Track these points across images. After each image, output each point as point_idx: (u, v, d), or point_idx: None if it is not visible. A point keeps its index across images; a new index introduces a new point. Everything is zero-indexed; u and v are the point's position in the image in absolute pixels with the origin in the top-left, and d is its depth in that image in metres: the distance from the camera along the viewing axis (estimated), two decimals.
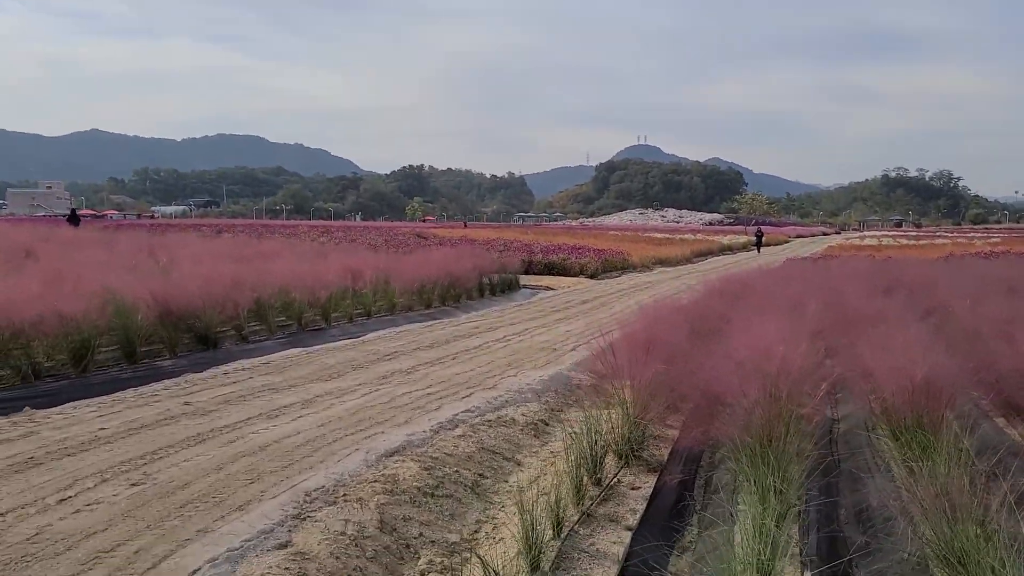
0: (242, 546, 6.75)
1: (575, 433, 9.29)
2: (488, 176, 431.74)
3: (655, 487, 8.95)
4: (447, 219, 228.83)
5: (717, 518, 7.61)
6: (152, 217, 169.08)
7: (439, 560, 7.11)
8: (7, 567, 6.36)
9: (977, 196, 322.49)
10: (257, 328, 18.96)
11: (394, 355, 16.47)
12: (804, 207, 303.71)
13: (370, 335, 19.23)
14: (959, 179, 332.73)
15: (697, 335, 12.86)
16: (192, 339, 16.78)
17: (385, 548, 7.19)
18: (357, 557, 6.85)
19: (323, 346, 17.38)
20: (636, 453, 9.76)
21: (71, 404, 11.64)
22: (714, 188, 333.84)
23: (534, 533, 6.60)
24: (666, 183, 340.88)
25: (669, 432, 10.93)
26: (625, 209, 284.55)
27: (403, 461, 9.10)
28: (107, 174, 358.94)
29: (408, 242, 48.36)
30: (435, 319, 23.23)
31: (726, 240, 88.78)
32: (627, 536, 7.53)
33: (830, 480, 8.55)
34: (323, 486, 8.29)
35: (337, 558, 6.72)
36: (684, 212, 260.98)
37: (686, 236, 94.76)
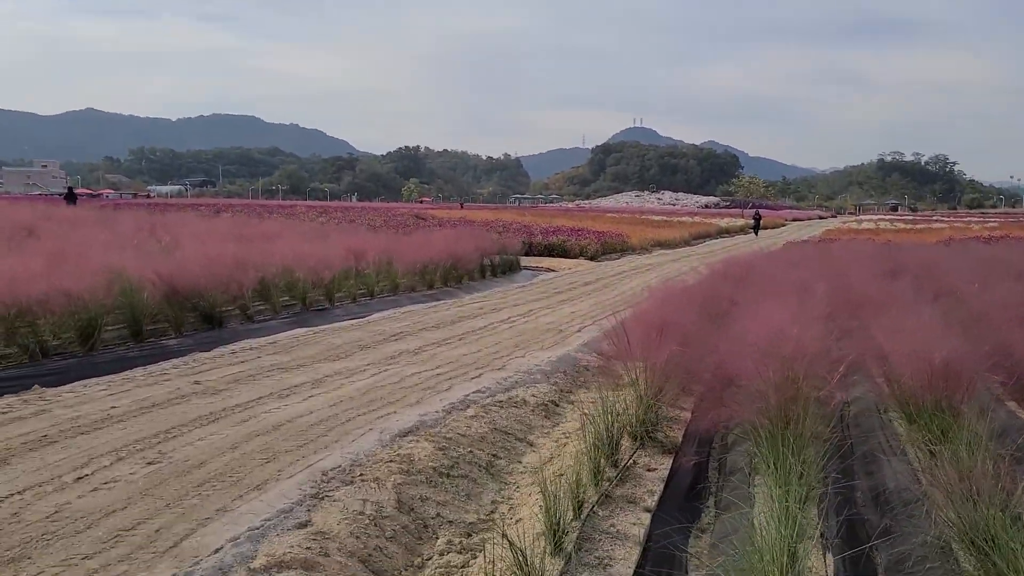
0: (262, 525, 6.75)
1: (590, 415, 9.26)
2: (484, 158, 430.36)
3: (671, 468, 8.93)
4: (443, 200, 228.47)
5: (738, 500, 7.60)
6: (148, 197, 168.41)
7: (457, 540, 7.11)
8: (28, 545, 6.33)
9: (973, 181, 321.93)
10: (261, 308, 18.90)
11: (400, 335, 16.45)
12: (800, 191, 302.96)
13: (375, 315, 19.27)
14: (955, 164, 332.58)
15: (708, 317, 12.84)
16: (197, 318, 16.74)
17: (403, 528, 7.20)
18: (376, 537, 6.85)
19: (328, 326, 17.40)
20: (650, 435, 9.73)
21: (81, 382, 11.65)
22: (710, 171, 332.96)
23: (557, 514, 6.59)
24: (662, 166, 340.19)
25: (681, 414, 10.92)
26: (621, 192, 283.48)
27: (417, 441, 9.10)
28: (102, 153, 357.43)
29: (407, 223, 48.19)
30: (438, 300, 23.23)
31: (723, 223, 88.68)
32: (646, 517, 7.50)
33: (846, 463, 8.51)
34: (339, 465, 8.30)
35: (357, 537, 6.71)
36: (680, 195, 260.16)
37: (684, 219, 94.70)
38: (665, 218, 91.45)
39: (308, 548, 6.33)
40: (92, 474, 7.93)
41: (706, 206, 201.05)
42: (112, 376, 12.13)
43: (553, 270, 34.54)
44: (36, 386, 11.31)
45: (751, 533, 6.51)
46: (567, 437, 10.24)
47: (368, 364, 13.58)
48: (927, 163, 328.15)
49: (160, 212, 47.25)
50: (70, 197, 61.89)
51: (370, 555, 6.60)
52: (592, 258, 40.46)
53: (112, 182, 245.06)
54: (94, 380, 11.82)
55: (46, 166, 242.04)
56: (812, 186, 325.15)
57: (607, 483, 8.13)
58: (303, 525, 6.80)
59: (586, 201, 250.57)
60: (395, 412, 10.56)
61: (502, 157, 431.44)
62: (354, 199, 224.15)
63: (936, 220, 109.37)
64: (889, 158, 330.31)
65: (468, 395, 11.51)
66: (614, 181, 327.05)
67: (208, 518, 6.97)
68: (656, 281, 27.60)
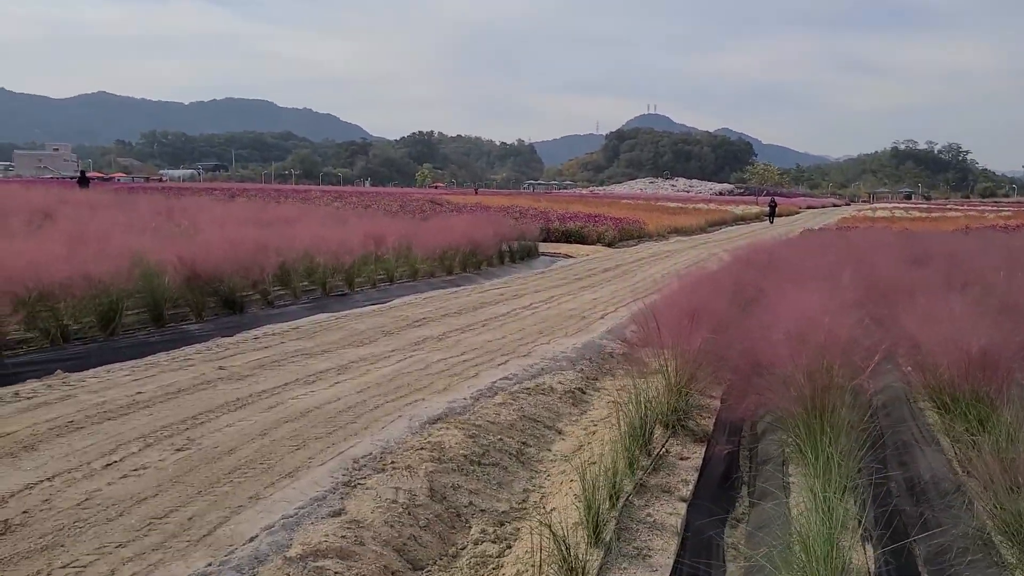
0: (296, 513, 6.69)
1: (623, 403, 9.18)
2: (498, 143, 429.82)
3: (704, 457, 8.85)
4: (457, 186, 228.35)
5: (772, 489, 7.53)
6: (160, 181, 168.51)
7: (491, 530, 7.07)
8: (60, 533, 6.27)
9: (985, 170, 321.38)
10: (281, 292, 18.83)
11: (423, 321, 16.38)
12: (813, 178, 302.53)
13: (396, 301, 19.22)
14: (967, 152, 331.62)
15: (735, 304, 12.75)
16: (217, 303, 16.64)
17: (436, 517, 7.15)
18: (411, 526, 6.80)
19: (350, 311, 17.34)
20: (682, 423, 9.66)
21: (104, 367, 11.61)
22: (724, 158, 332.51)
23: (596, 504, 6.51)
24: (676, 152, 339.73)
25: (710, 402, 10.85)
26: (635, 178, 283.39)
27: (447, 428, 9.05)
28: (114, 137, 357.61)
29: (423, 208, 48.08)
30: (458, 285, 23.20)
31: (739, 210, 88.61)
32: (682, 507, 7.43)
33: (880, 453, 8.42)
34: (370, 453, 8.23)
35: (391, 526, 6.66)
36: (694, 182, 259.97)
37: (699, 205, 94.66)
38: (680, 205, 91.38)
39: (343, 537, 6.28)
40: (121, 460, 7.86)
41: (720, 193, 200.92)
42: (135, 361, 12.07)
43: (571, 256, 34.45)
44: (59, 371, 11.25)
45: (789, 524, 6.45)
46: (595, 425, 10.20)
47: (392, 350, 13.50)
48: (940, 152, 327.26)
49: (175, 196, 47.17)
50: (83, 181, 61.84)
51: (405, 544, 6.55)
52: (609, 244, 40.34)
53: (124, 166, 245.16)
54: (117, 365, 11.76)
55: (58, 149, 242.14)
56: (825, 174, 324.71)
57: (641, 472, 8.05)
58: (337, 513, 6.73)
59: (600, 187, 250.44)
60: (423, 399, 10.49)
61: (516, 143, 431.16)
62: (367, 184, 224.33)
63: (950, 209, 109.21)
64: (903, 146, 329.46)
65: (495, 382, 11.42)
66: (628, 167, 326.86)
67: (241, 506, 6.90)
68: (676, 268, 27.62)
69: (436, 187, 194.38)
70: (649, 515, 7.17)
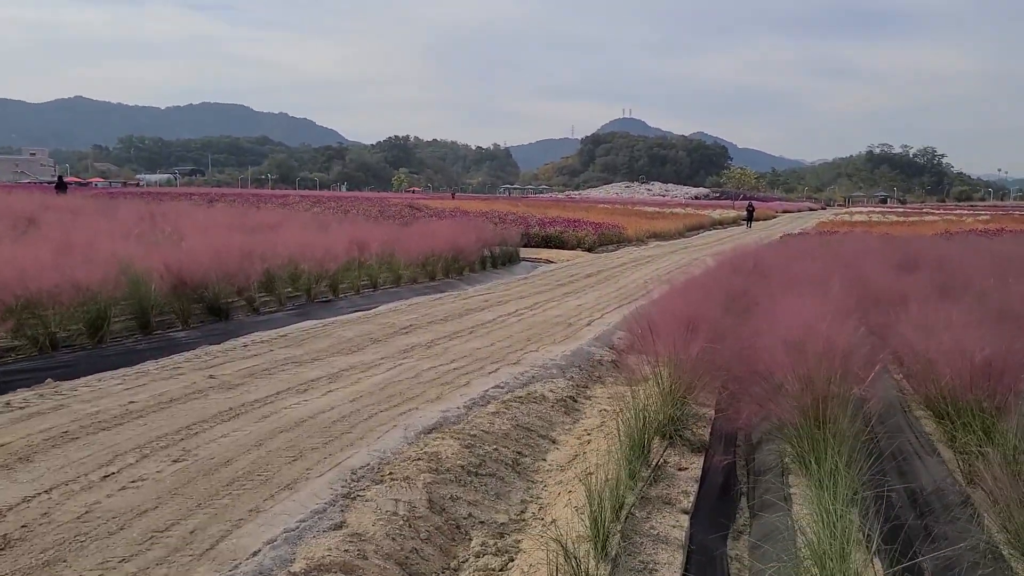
0: (298, 526, 6.61)
1: (620, 412, 9.14)
2: (473, 148, 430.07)
3: (703, 468, 8.81)
4: (432, 190, 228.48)
5: (773, 500, 7.50)
6: (137, 185, 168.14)
7: (492, 542, 7.03)
8: (62, 547, 6.18)
9: (961, 173, 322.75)
10: (266, 299, 18.81)
11: (410, 328, 16.31)
12: (789, 182, 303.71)
13: (381, 307, 19.13)
14: (943, 156, 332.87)
15: (730, 311, 12.73)
16: (203, 310, 16.61)
17: (437, 529, 7.11)
18: (412, 538, 6.76)
19: (336, 318, 17.26)
20: (679, 433, 9.61)
21: (95, 376, 11.49)
22: (699, 162, 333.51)
23: (602, 517, 6.46)
24: (651, 156, 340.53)
25: (703, 411, 10.81)
26: (611, 182, 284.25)
27: (443, 438, 9.01)
28: (91, 141, 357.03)
29: (403, 213, 48.07)
30: (441, 292, 23.12)
31: (716, 214, 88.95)
32: (684, 520, 7.38)
33: (879, 463, 8.38)
34: (368, 464, 8.16)
35: (393, 539, 6.62)
36: (670, 186, 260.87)
37: (676, 210, 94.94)
38: (658, 209, 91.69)
39: (346, 551, 6.23)
40: (118, 472, 7.77)
41: (696, 197, 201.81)
42: (126, 369, 11.96)
43: (552, 261, 34.51)
44: (49, 379, 11.15)
45: (795, 536, 6.42)
46: (588, 434, 10.19)
47: (382, 358, 13.43)
48: (915, 155, 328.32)
49: (156, 201, 47.07)
50: (60, 186, 61.56)
51: (407, 558, 6.50)
52: (589, 249, 40.46)
53: (101, 170, 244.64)
54: (108, 374, 11.66)
55: (35, 154, 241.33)
56: (801, 178, 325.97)
57: (641, 483, 8.00)
58: (338, 526, 6.68)
59: (576, 192, 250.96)
60: (417, 408, 10.42)
61: (491, 147, 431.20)
62: (344, 188, 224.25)
63: (927, 212, 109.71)
64: (878, 150, 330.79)
65: (487, 390, 11.35)
66: (603, 171, 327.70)
67: (241, 519, 6.82)
68: (659, 273, 27.67)
69: (413, 191, 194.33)
70: (652, 527, 7.12)
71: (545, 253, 37.84)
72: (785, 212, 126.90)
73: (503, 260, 32.02)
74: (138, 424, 9.30)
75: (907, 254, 21.80)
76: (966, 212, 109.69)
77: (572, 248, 40.54)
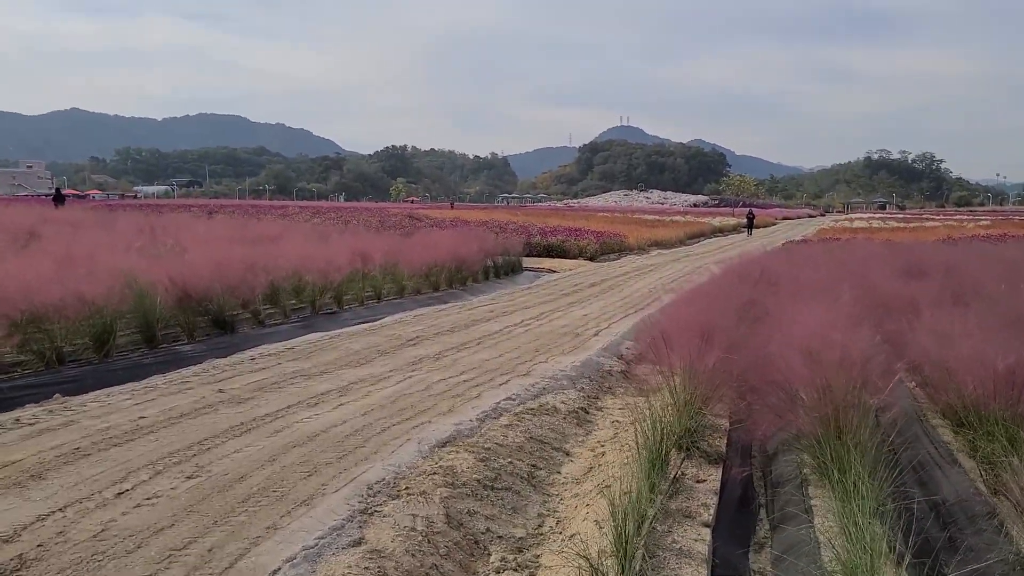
0: (316, 543, 6.53)
1: (637, 424, 9.05)
2: (471, 157, 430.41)
3: (722, 481, 8.72)
4: (431, 200, 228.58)
5: (794, 512, 7.43)
6: (135, 197, 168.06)
7: (511, 557, 6.95)
8: (79, 567, 6.09)
9: (960, 178, 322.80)
10: (271, 311, 18.75)
11: (417, 340, 16.23)
12: (787, 189, 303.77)
13: (386, 319, 19.06)
14: (941, 161, 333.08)
15: (742, 320, 12.65)
16: (208, 323, 16.56)
17: (456, 544, 7.04)
18: (431, 554, 6.69)
19: (342, 330, 17.18)
20: (696, 444, 9.53)
21: (103, 391, 11.41)
22: (697, 170, 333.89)
23: (626, 531, 6.37)
24: (650, 164, 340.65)
25: (718, 422, 10.72)
26: (609, 191, 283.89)
27: (457, 452, 8.94)
28: (87, 153, 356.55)
29: (403, 224, 48.01)
30: (445, 303, 23.06)
31: (716, 222, 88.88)
32: (706, 533, 7.30)
33: (900, 474, 8.30)
34: (383, 479, 8.07)
35: (413, 555, 6.54)
36: (669, 194, 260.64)
37: (676, 218, 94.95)
38: (657, 217, 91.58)
39: (367, 568, 6.16)
40: (132, 489, 7.68)
41: (695, 205, 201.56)
42: (134, 384, 11.88)
43: (555, 271, 34.46)
44: (57, 395, 11.08)
45: (818, 549, 6.34)
46: (602, 446, 10.10)
47: (391, 370, 13.35)
48: (914, 161, 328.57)
49: (155, 213, 47.04)
50: (58, 198, 61.53)
51: (427, 574, 6.43)
52: (591, 258, 40.43)
53: (98, 182, 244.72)
54: (116, 388, 11.57)
55: (31, 167, 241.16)
56: (799, 184, 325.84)
57: (660, 496, 7.92)
58: (357, 543, 6.59)
59: (575, 200, 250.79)
60: (429, 421, 10.33)
61: (489, 156, 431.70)
62: (341, 199, 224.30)
63: (927, 218, 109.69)
64: (876, 156, 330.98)
65: (499, 403, 11.26)
66: (602, 180, 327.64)
67: (259, 536, 6.73)
68: (663, 282, 27.60)
69: (411, 201, 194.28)
70: (674, 541, 7.04)
71: (547, 262, 37.82)
72: (785, 219, 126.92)
73: (506, 270, 32.00)
74: (149, 440, 9.22)
75: (912, 260, 21.72)
76: (966, 217, 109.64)
77: (574, 257, 40.53)
